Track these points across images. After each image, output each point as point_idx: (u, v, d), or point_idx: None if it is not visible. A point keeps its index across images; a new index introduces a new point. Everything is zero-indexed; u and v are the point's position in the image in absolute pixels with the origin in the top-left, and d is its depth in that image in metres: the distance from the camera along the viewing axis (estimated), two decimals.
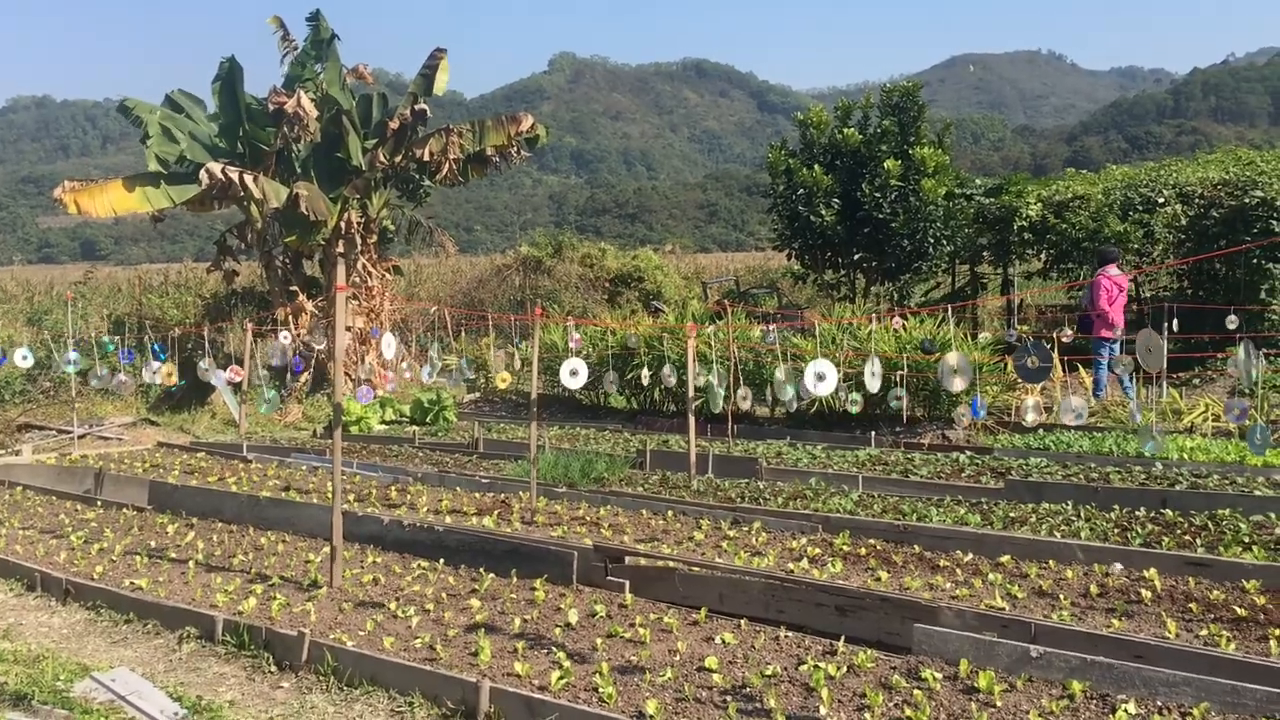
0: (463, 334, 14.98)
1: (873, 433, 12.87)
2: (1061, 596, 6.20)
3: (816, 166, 18.91)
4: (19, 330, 17.27)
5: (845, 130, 19.14)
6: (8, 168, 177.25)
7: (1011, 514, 8.32)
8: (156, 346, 15.15)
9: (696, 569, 6.66)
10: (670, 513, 8.86)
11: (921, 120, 19.21)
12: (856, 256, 19.36)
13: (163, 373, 13.55)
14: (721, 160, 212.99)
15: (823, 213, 18.54)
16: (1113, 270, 14.24)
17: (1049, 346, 8.78)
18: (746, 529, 8.21)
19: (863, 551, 7.37)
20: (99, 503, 10.25)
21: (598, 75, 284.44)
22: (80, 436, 14.49)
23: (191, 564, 7.67)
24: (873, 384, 9.69)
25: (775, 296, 22.53)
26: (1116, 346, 13.85)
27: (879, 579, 6.68)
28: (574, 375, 9.86)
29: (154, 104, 18.26)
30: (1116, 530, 7.69)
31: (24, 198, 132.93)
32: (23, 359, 13.62)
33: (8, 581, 7.62)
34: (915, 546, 7.46)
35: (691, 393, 10.80)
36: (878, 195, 18.19)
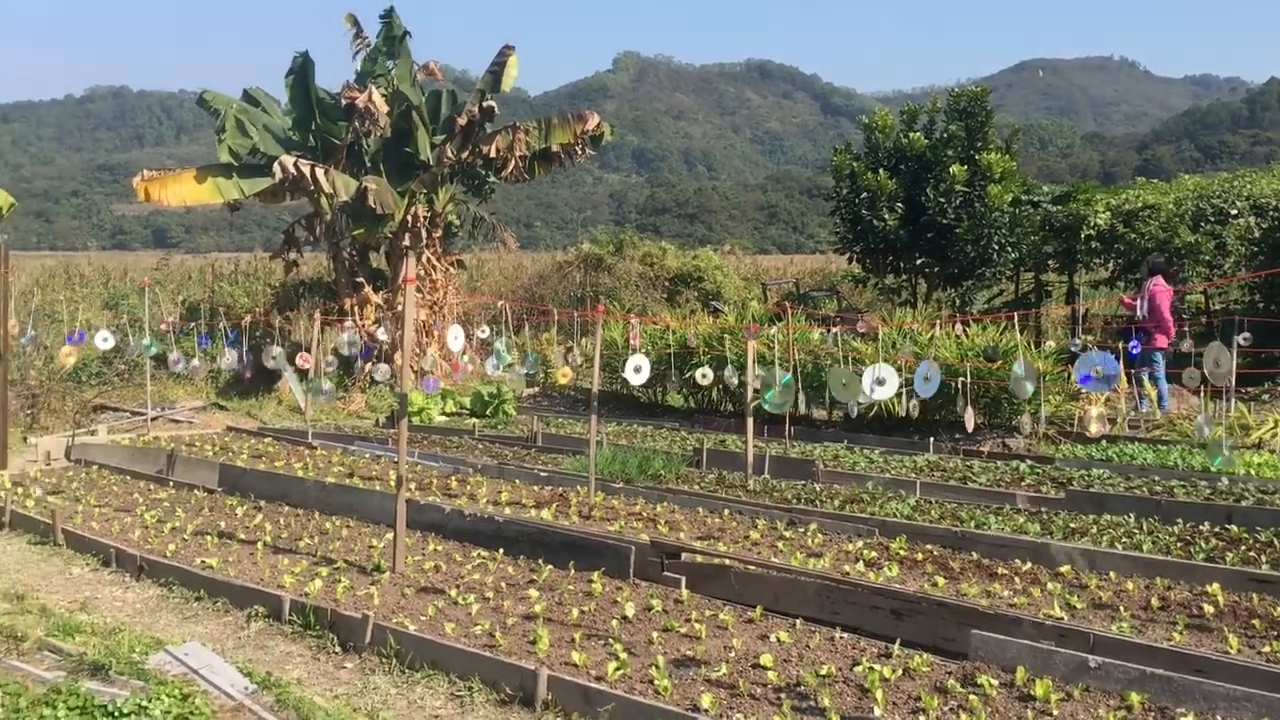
0: (525, 329, 15.13)
1: (931, 439, 12.81)
2: (1121, 608, 6.17)
3: (881, 170, 18.85)
4: (97, 314, 17.76)
5: (910, 134, 19.06)
6: (85, 156, 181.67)
7: (1072, 524, 8.27)
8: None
9: (752, 567, 6.71)
10: (726, 511, 8.91)
11: (989, 125, 19.06)
12: (919, 261, 19.27)
13: (230, 358, 13.97)
14: (783, 162, 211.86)
15: (885, 217, 18.47)
16: (1162, 281, 14.33)
17: (1115, 357, 8.70)
18: (802, 530, 8.24)
19: (919, 557, 7.38)
20: (171, 483, 10.55)
21: (661, 75, 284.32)
22: (153, 419, 14.88)
23: (260, 545, 7.88)
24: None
25: (835, 299, 22.45)
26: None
27: (935, 584, 6.69)
28: (638, 372, 9.96)
29: (231, 97, 18.67)
30: (1179, 544, 7.62)
31: (100, 185, 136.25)
32: (103, 340, 14.02)
33: (84, 556, 7.89)
34: (973, 553, 7.44)
35: (750, 394, 10.84)
36: (942, 200, 18.09)
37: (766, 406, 10.64)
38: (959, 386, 11.78)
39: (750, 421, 10.72)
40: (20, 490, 10.19)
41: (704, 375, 13.12)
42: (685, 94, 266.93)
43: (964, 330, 13.90)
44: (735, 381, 12.49)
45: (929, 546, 7.65)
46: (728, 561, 6.86)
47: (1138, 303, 14.59)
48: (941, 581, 6.73)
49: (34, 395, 14.83)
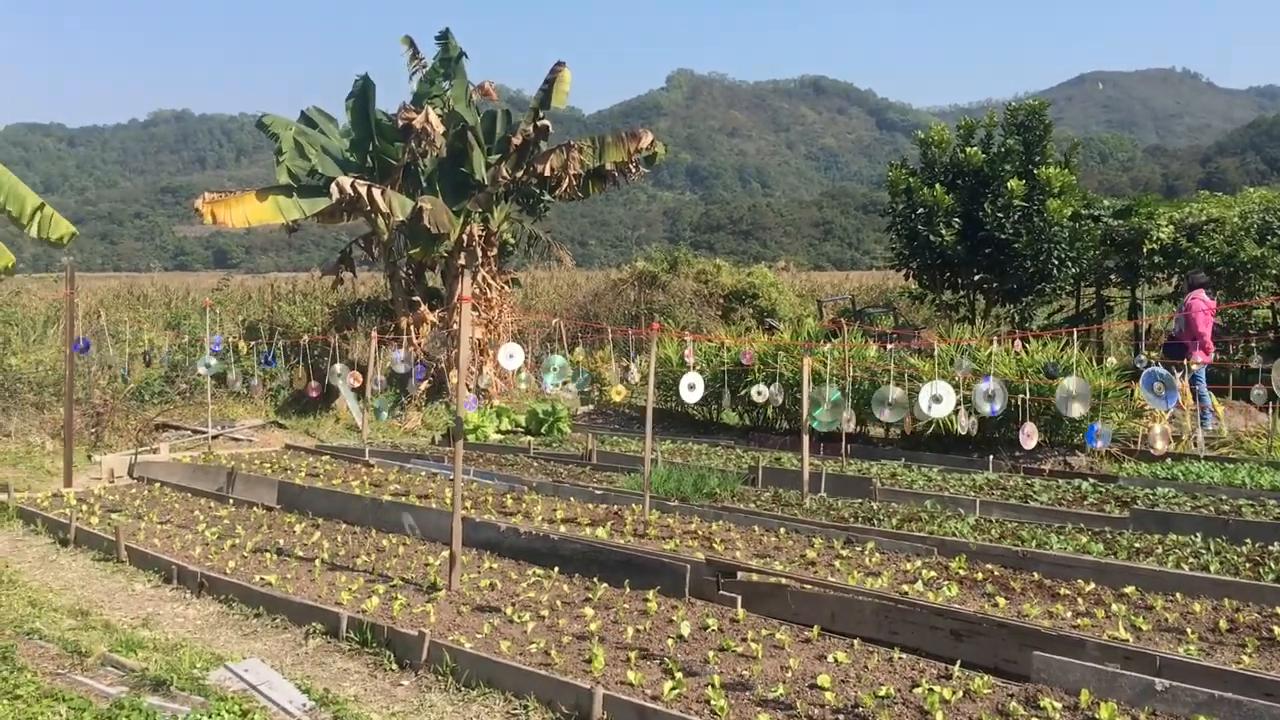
0: (580, 347, 15.17)
1: (990, 456, 12.63)
2: (1189, 630, 6.02)
3: (937, 185, 18.68)
4: (160, 334, 18.10)
5: (968, 149, 18.87)
6: (148, 178, 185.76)
7: (1136, 544, 8.09)
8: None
9: (809, 587, 6.64)
10: (782, 530, 8.85)
11: (1047, 139, 18.82)
12: (977, 277, 19.05)
13: (295, 376, 14.21)
14: (838, 178, 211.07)
15: (943, 232, 18.29)
16: (1203, 294, 14.32)
17: (1179, 374, 8.51)
18: (860, 549, 8.15)
19: (979, 576, 7.26)
20: (231, 501, 10.70)
21: (715, 92, 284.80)
22: (214, 437, 15.11)
23: (317, 562, 7.95)
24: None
25: (892, 316, 22.27)
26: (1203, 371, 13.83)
27: (996, 605, 6.58)
28: (692, 389, 9.93)
29: (290, 119, 18.97)
30: (1248, 565, 7.42)
31: (162, 207, 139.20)
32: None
33: (146, 573, 8.01)
34: (1034, 573, 7.31)
35: (806, 411, 10.76)
36: (1000, 215, 17.88)
37: (815, 425, 10.55)
38: (1019, 404, 11.62)
39: (806, 439, 10.64)
40: (85, 507, 10.39)
41: (759, 393, 13.05)
42: (739, 111, 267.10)
43: (1023, 347, 13.71)
44: (780, 400, 12.40)
45: (989, 566, 7.53)
46: (784, 581, 6.80)
47: (1174, 319, 14.47)
48: (1002, 602, 6.62)
49: (98, 414, 15.14)
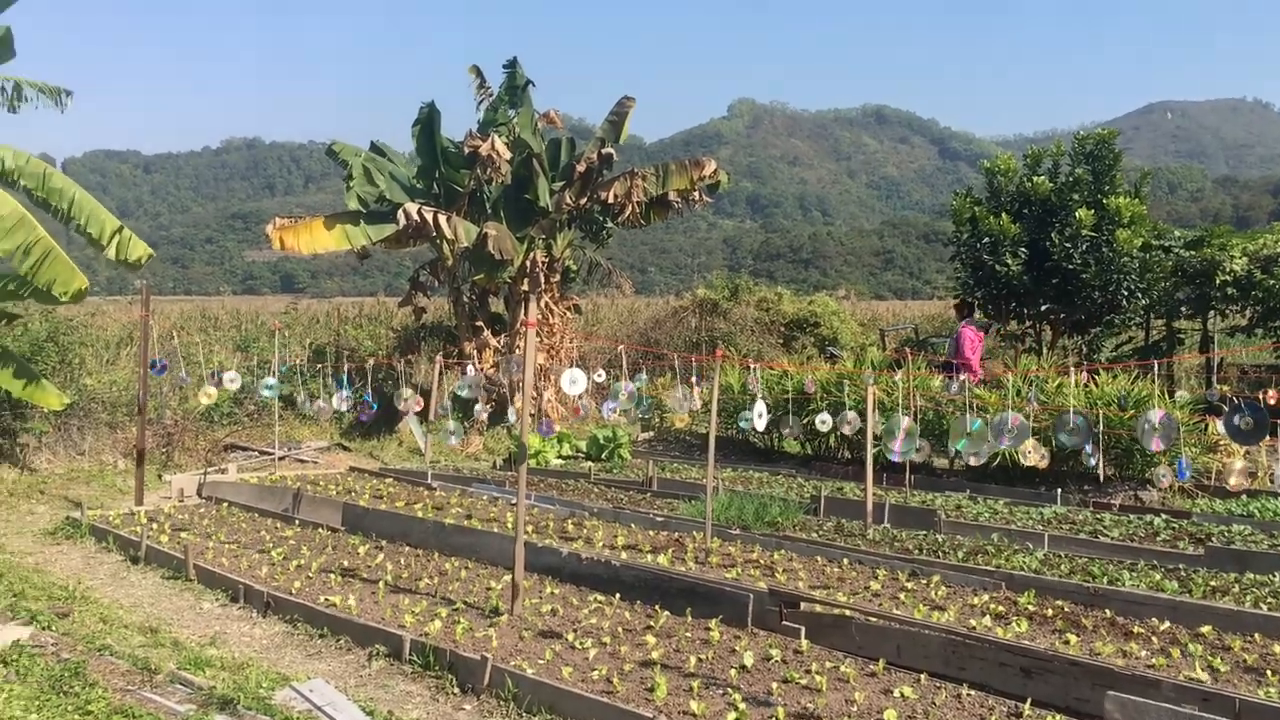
0: (642, 373, 15.19)
1: (1058, 490, 12.40)
2: (1269, 672, 5.84)
3: (1003, 214, 18.45)
4: (229, 356, 18.42)
5: (1035, 178, 18.62)
6: (219, 204, 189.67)
7: (1212, 583, 7.89)
8: (343, 379, 16.01)
9: (874, 619, 6.55)
10: (845, 561, 8.75)
11: (1116, 169, 18.52)
12: (1044, 308, 18.75)
13: (341, 398, 14.37)
14: (900, 207, 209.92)
15: (1009, 262, 18.04)
16: (973, 326, 15.58)
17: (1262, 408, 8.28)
18: (925, 582, 8.03)
19: (1049, 613, 7.11)
20: (296, 521, 10.81)
21: (777, 121, 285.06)
22: (280, 458, 15.31)
23: (381, 584, 8.01)
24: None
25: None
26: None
27: (1067, 642, 6.44)
28: (761, 418, 9.86)
29: (358, 147, 19.27)
30: None
31: (232, 232, 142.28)
32: (230, 381, 14.50)
33: (214, 591, 8.12)
34: (1106, 611, 7.15)
35: (870, 440, 10.65)
36: (1068, 245, 17.59)
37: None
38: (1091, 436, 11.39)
39: (870, 469, 10.53)
40: (155, 526, 10.57)
41: (823, 421, 12.93)
42: (800, 139, 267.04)
43: (1092, 379, 13.47)
44: (852, 428, 12.26)
45: (1059, 602, 7.37)
46: (849, 612, 6.71)
47: (948, 343, 15.68)
48: (1073, 639, 6.48)
49: (169, 434, 15.42)
